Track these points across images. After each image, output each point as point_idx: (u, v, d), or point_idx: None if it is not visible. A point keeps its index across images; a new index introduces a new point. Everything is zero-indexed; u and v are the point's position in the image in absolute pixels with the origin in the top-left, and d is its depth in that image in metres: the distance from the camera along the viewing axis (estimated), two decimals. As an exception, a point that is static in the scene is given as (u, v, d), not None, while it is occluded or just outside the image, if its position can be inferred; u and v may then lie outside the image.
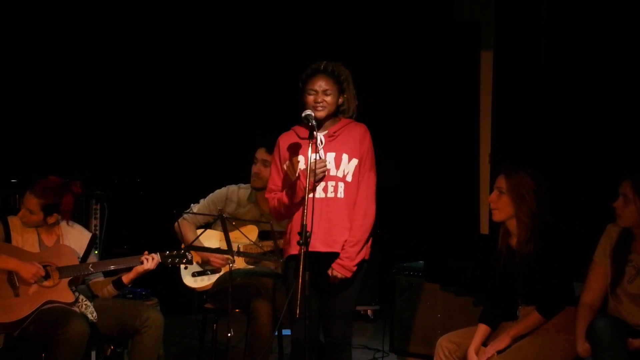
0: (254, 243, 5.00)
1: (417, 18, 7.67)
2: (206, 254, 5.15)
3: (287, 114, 4.52)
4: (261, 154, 5.21)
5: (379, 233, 6.57)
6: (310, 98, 4.27)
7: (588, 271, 4.24)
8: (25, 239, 4.80)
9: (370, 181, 4.32)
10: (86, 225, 5.65)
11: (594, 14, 5.98)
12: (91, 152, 6.94)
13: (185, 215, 5.19)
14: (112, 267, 4.81)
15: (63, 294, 4.70)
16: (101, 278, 4.93)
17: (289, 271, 4.35)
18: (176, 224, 5.13)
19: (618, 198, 4.12)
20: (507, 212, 4.30)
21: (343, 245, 4.26)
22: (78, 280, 4.82)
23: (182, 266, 5.13)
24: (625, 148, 5.80)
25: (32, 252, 4.75)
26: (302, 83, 4.31)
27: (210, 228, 5.25)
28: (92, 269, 4.79)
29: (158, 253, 4.81)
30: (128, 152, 7.10)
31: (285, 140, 4.39)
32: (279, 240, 4.70)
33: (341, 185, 4.27)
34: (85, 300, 4.74)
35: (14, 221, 4.82)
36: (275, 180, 4.40)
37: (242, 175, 5.35)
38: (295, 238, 4.23)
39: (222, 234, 4.71)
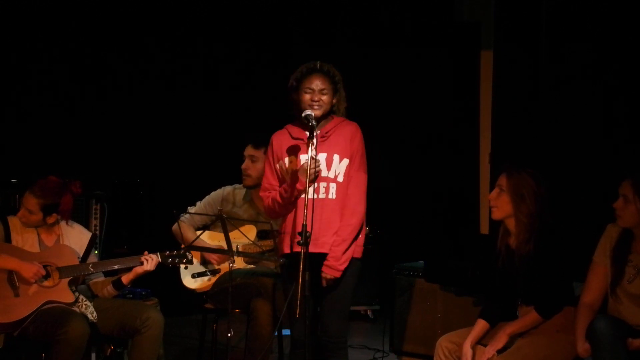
0: (254, 242, 5.00)
1: (417, 18, 7.67)
2: (206, 254, 5.15)
3: (283, 113, 4.51)
4: (248, 150, 5.21)
5: (379, 233, 6.62)
6: (307, 96, 4.26)
7: (588, 271, 4.24)
8: (25, 238, 4.80)
9: (359, 180, 4.31)
10: (86, 225, 5.65)
11: (594, 14, 5.98)
12: (91, 152, 6.94)
13: (183, 218, 5.19)
14: (112, 267, 4.81)
15: (63, 294, 4.70)
16: (101, 278, 4.93)
17: (283, 270, 4.38)
18: (175, 225, 5.13)
19: (618, 198, 4.12)
20: (506, 210, 4.30)
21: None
22: (78, 280, 4.82)
23: (182, 267, 5.13)
24: (625, 148, 5.80)
25: (32, 252, 4.75)
26: (296, 81, 4.31)
27: (209, 230, 5.26)
28: (92, 269, 4.79)
29: (158, 253, 4.81)
30: (128, 152, 7.10)
31: (278, 139, 4.39)
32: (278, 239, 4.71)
33: (333, 186, 4.27)
34: (85, 300, 4.74)
35: (13, 221, 4.82)
36: (270, 179, 4.40)
37: (242, 175, 5.35)
38: (287, 237, 4.27)
39: (221, 234, 4.71)
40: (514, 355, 4.15)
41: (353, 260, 4.30)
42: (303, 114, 4.21)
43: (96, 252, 5.36)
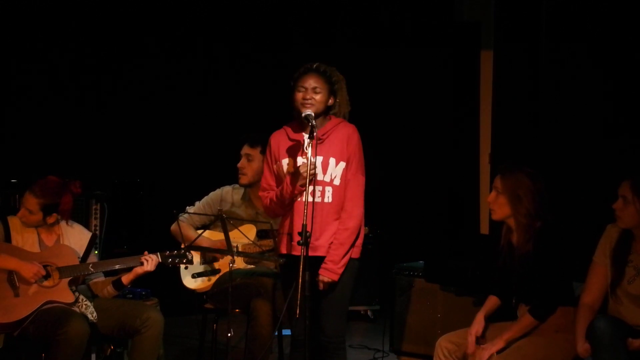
0: (253, 242, 5.00)
1: (417, 18, 7.67)
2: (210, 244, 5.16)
3: (283, 113, 4.51)
4: (244, 148, 5.22)
5: (379, 233, 6.62)
6: (299, 95, 4.26)
7: (588, 271, 4.24)
8: (25, 238, 4.80)
9: (356, 183, 4.29)
10: (86, 225, 5.64)
11: (593, 14, 5.98)
12: (91, 152, 6.94)
13: (181, 218, 5.19)
14: (112, 267, 4.81)
15: (63, 294, 4.70)
16: (101, 278, 4.93)
17: (282, 270, 4.39)
18: (174, 225, 5.12)
19: (617, 199, 4.12)
20: (505, 212, 4.30)
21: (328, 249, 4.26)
22: (78, 280, 4.82)
23: (182, 267, 5.13)
24: (625, 148, 5.80)
25: (32, 252, 4.75)
26: (293, 81, 4.32)
27: (208, 230, 5.25)
28: (92, 269, 4.79)
29: (158, 253, 4.81)
30: (128, 152, 7.10)
31: (276, 139, 4.39)
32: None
33: (329, 189, 4.26)
34: (85, 300, 4.74)
35: (13, 221, 4.82)
36: (268, 179, 4.41)
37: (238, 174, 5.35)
38: (284, 237, 4.28)
39: (221, 234, 4.70)
40: (513, 355, 4.15)
41: (351, 260, 4.29)
42: (303, 114, 4.21)
43: (96, 252, 5.36)
